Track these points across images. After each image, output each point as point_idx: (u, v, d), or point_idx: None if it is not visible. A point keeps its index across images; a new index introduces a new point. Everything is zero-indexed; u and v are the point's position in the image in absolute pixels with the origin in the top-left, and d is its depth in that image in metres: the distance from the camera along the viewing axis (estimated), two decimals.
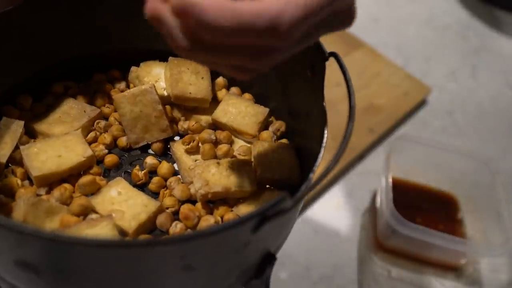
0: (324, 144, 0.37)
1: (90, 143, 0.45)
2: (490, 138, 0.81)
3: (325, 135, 0.37)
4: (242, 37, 0.27)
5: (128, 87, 0.50)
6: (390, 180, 0.62)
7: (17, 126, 0.43)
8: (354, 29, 0.97)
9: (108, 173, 0.45)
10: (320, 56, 0.40)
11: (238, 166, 0.43)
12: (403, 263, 0.64)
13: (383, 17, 0.99)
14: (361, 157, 0.74)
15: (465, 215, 0.68)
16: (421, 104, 0.84)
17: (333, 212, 0.68)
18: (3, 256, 0.32)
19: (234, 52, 0.29)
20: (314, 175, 0.35)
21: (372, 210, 0.68)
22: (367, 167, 0.73)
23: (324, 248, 0.65)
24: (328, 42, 0.41)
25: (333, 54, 0.39)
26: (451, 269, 0.64)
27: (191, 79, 0.48)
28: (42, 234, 0.27)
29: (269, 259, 0.38)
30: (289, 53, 0.30)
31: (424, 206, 0.68)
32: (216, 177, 0.42)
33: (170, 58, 0.49)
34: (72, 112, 0.46)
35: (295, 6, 0.27)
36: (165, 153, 0.47)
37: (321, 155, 0.36)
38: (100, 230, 0.36)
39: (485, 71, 0.92)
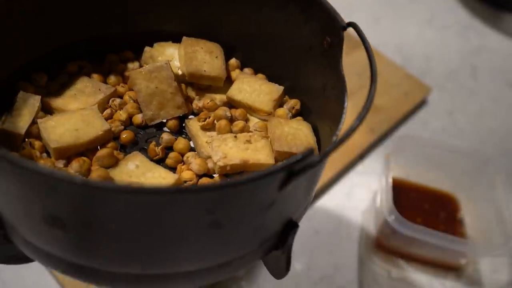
0: (345, 109, 0.37)
1: (106, 120, 0.45)
2: (490, 138, 0.81)
3: (346, 95, 0.38)
4: None
5: (141, 67, 0.50)
6: (390, 180, 0.62)
7: (34, 100, 0.44)
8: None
9: (124, 150, 0.45)
10: (336, 26, 0.40)
11: (255, 140, 0.43)
12: (403, 263, 0.64)
13: (383, 17, 0.99)
14: (361, 157, 0.74)
15: (465, 215, 0.68)
16: (421, 104, 0.84)
17: (333, 212, 0.68)
18: (31, 212, 0.32)
19: None
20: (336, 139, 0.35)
21: (372, 210, 0.68)
22: (367, 167, 0.73)
23: (324, 248, 0.65)
24: None
25: (352, 24, 0.39)
26: (451, 269, 0.64)
27: (206, 57, 0.48)
28: (74, 180, 0.27)
29: (291, 226, 0.37)
30: None
31: (424, 206, 0.68)
32: (234, 150, 0.42)
33: (184, 38, 0.49)
34: (87, 90, 0.46)
35: None
36: (180, 131, 0.48)
37: (344, 114, 0.37)
38: None
39: (485, 71, 0.92)
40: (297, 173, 0.30)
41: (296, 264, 0.62)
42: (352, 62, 0.87)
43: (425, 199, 0.69)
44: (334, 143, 0.32)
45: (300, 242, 0.64)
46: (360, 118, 0.32)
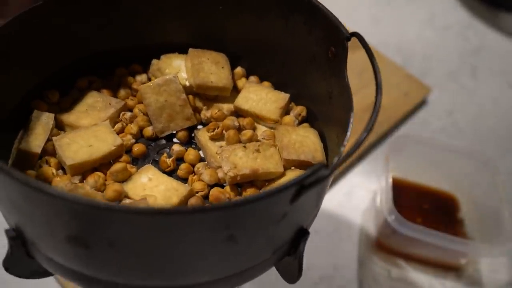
0: (351, 119, 0.38)
1: (117, 134, 0.46)
2: (490, 138, 0.81)
3: (352, 104, 0.38)
4: None
5: (149, 79, 0.51)
6: (390, 180, 0.62)
7: (48, 119, 0.45)
8: (354, 29, 0.97)
9: (137, 162, 0.46)
10: (341, 37, 0.40)
11: (264, 149, 0.44)
12: (403, 263, 0.64)
13: (383, 17, 0.99)
14: (361, 157, 0.74)
15: (465, 215, 0.68)
16: (421, 104, 0.84)
17: (333, 212, 0.68)
18: (55, 232, 0.33)
19: None
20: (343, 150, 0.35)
21: (372, 210, 0.68)
22: (367, 167, 0.73)
23: (324, 248, 0.65)
24: None
25: (356, 34, 0.39)
26: (451, 269, 0.64)
27: (212, 68, 0.49)
28: (98, 204, 0.28)
29: (302, 233, 0.38)
30: None
31: (424, 206, 0.68)
32: (244, 160, 0.43)
33: (190, 49, 0.50)
34: (97, 105, 0.47)
35: None
36: (189, 141, 0.48)
37: (350, 124, 0.37)
38: None
39: (485, 71, 0.92)
40: (308, 187, 0.31)
41: None
42: (353, 62, 0.87)
43: (425, 199, 0.69)
44: (342, 157, 0.32)
45: None
46: (368, 129, 0.33)
